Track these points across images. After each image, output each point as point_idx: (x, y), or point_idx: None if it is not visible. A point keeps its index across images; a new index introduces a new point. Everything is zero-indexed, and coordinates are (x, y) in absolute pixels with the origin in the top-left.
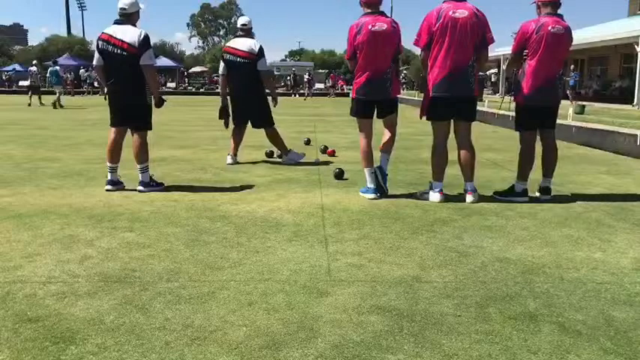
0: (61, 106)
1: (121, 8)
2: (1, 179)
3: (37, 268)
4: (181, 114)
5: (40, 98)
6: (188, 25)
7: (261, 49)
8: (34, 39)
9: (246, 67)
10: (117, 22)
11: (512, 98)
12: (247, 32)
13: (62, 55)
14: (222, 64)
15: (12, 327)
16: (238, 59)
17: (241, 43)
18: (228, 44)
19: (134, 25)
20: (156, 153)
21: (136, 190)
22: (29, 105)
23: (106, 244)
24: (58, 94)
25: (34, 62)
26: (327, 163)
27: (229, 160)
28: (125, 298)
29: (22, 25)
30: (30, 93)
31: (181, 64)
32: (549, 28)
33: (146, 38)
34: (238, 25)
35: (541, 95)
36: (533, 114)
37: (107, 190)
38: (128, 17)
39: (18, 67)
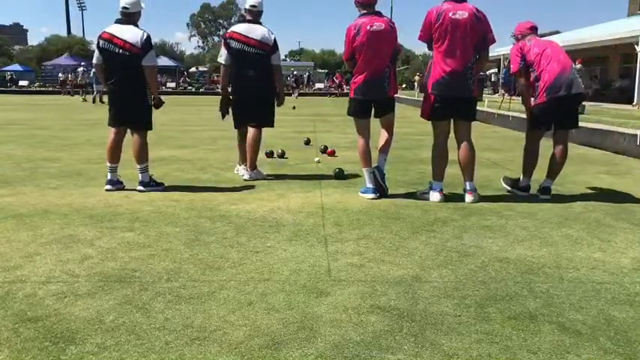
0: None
1: (123, 7)
2: (2, 179)
3: (37, 268)
4: (181, 114)
5: (84, 95)
6: (188, 25)
7: (275, 40)
8: (34, 39)
9: (259, 59)
10: (118, 22)
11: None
12: (256, 16)
13: (62, 54)
14: (224, 52)
15: (12, 327)
16: (250, 49)
17: (252, 30)
18: (234, 29)
19: (136, 25)
20: (156, 153)
21: (136, 190)
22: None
23: (105, 244)
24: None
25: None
26: (327, 163)
27: (246, 175)
28: (125, 298)
29: (22, 25)
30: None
31: (181, 64)
32: (543, 40)
33: (149, 39)
34: (247, 7)
35: (565, 85)
36: (551, 111)
37: (107, 190)
38: (130, 17)
39: (19, 67)
